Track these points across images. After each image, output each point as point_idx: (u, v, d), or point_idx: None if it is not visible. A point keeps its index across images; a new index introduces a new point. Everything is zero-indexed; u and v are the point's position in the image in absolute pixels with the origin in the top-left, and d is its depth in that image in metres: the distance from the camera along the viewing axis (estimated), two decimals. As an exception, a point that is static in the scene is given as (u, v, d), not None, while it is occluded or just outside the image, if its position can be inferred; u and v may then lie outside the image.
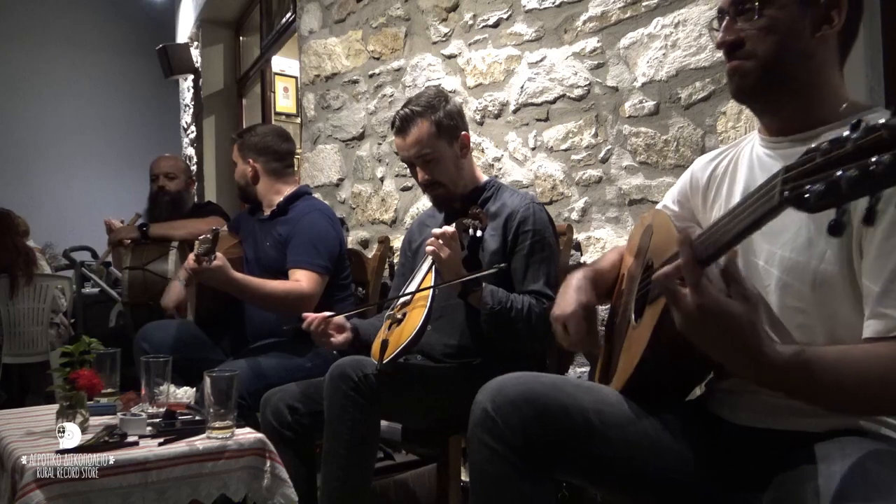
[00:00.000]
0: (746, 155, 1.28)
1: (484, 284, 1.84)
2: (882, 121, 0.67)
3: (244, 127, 4.61)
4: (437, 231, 1.85)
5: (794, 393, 1.00)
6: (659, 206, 1.48)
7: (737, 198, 1.24)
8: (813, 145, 0.74)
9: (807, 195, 0.72)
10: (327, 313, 1.99)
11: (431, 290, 1.85)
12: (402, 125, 2.00)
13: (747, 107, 1.33)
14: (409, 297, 1.93)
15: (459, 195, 2.05)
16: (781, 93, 1.16)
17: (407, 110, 2.00)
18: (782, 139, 1.19)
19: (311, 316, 1.98)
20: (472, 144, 2.12)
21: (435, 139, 1.98)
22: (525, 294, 1.90)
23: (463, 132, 2.04)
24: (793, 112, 1.17)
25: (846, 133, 0.70)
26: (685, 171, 1.44)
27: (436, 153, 1.98)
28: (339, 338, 1.99)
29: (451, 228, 1.86)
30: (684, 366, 1.22)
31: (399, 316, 1.88)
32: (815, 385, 0.96)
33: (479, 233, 1.90)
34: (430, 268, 1.93)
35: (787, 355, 0.94)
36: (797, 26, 1.13)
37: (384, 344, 1.81)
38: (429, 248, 1.85)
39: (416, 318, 1.81)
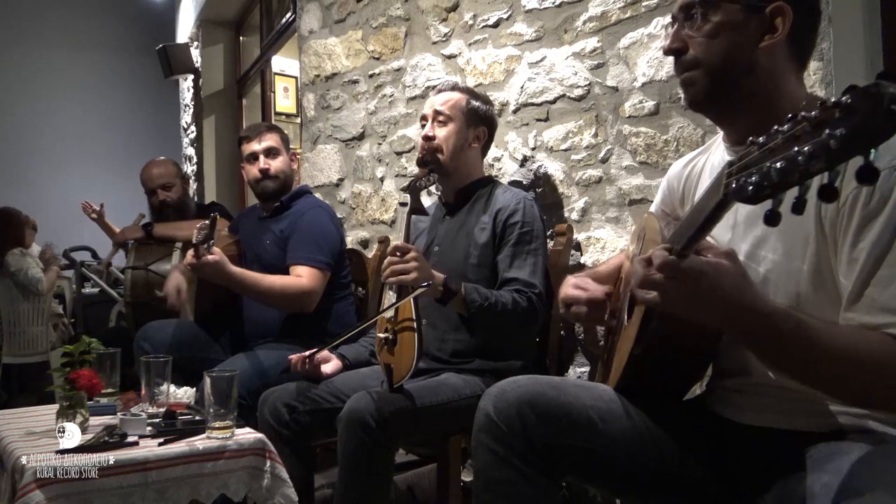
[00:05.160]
0: (712, 162, 1.30)
1: (464, 284, 1.83)
2: (803, 113, 0.68)
3: (249, 125, 4.63)
4: (387, 260, 1.78)
5: (784, 359, 0.97)
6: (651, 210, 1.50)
7: None
8: (751, 138, 0.75)
9: (746, 187, 0.73)
10: (308, 352, 2.03)
11: (416, 317, 1.78)
12: (443, 87, 2.17)
13: (705, 116, 1.34)
14: (390, 312, 1.86)
15: (449, 172, 2.09)
16: (732, 101, 1.17)
17: (460, 85, 2.21)
18: (742, 148, 1.19)
19: (294, 358, 2.04)
20: (479, 144, 2.17)
21: (460, 112, 2.10)
22: (507, 285, 1.89)
23: (483, 128, 2.14)
24: (747, 122, 1.17)
25: (777, 126, 0.71)
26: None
27: (453, 121, 2.09)
28: (326, 367, 2.06)
29: (400, 244, 1.82)
30: (676, 361, 1.22)
31: (391, 336, 1.84)
32: (806, 350, 0.94)
33: (431, 187, 2.09)
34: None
35: (781, 309, 0.94)
36: (741, 34, 1.13)
37: (389, 368, 1.81)
38: (392, 280, 1.78)
39: (409, 345, 1.77)
